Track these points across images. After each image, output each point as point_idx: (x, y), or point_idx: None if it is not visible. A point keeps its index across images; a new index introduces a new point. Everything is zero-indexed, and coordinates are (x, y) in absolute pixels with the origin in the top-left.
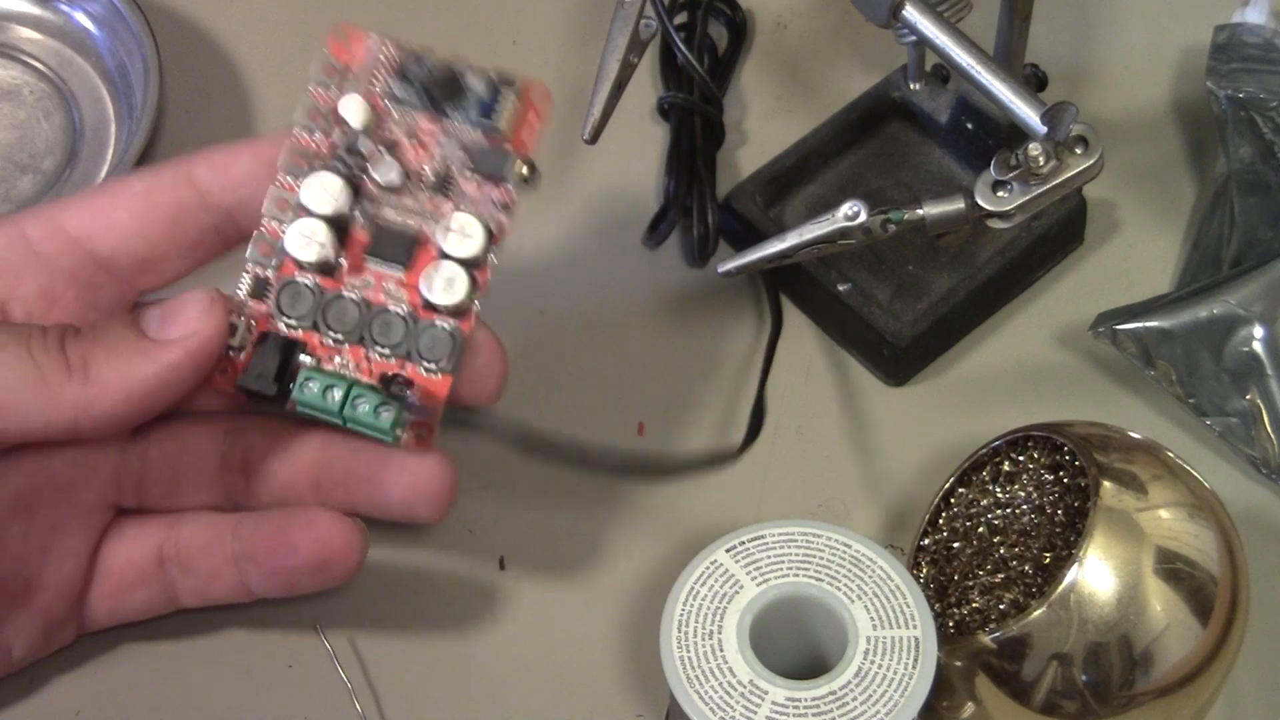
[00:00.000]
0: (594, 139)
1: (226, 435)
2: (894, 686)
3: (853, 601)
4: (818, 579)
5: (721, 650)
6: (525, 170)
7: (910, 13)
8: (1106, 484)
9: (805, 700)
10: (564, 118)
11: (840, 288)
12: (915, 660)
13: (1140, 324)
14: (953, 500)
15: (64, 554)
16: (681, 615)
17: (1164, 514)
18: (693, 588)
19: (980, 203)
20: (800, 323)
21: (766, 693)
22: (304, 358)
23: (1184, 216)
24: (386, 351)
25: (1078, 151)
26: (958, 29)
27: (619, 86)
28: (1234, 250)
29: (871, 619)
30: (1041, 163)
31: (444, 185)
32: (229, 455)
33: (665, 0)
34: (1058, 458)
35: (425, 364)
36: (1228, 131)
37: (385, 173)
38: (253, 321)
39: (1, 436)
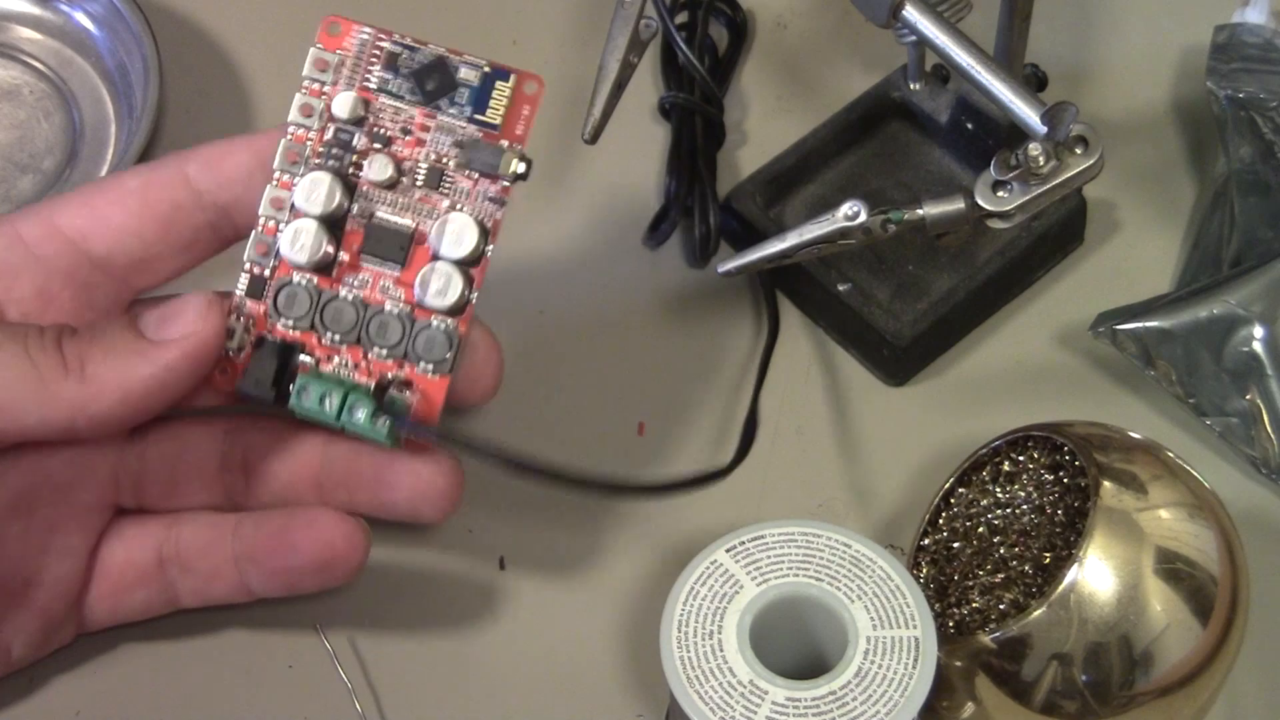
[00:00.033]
0: (594, 139)
1: (226, 435)
2: (894, 686)
3: (853, 601)
4: (818, 579)
5: (721, 650)
6: (519, 164)
7: (910, 13)
8: (1106, 484)
9: (805, 700)
10: (564, 118)
11: (840, 288)
12: (915, 660)
13: (1140, 324)
14: (953, 500)
15: (63, 554)
16: (681, 615)
17: (1164, 514)
18: (693, 588)
19: (980, 203)
20: (800, 323)
21: (766, 693)
22: (304, 358)
23: (1184, 216)
24: (384, 352)
25: (1078, 151)
26: (958, 29)
27: (619, 86)
28: (1234, 250)
29: (871, 619)
30: (1041, 163)
31: (438, 180)
32: (229, 455)
33: (666, 0)
34: (1058, 458)
35: (422, 364)
36: (1228, 131)
37: (379, 171)
38: (251, 322)
39: None
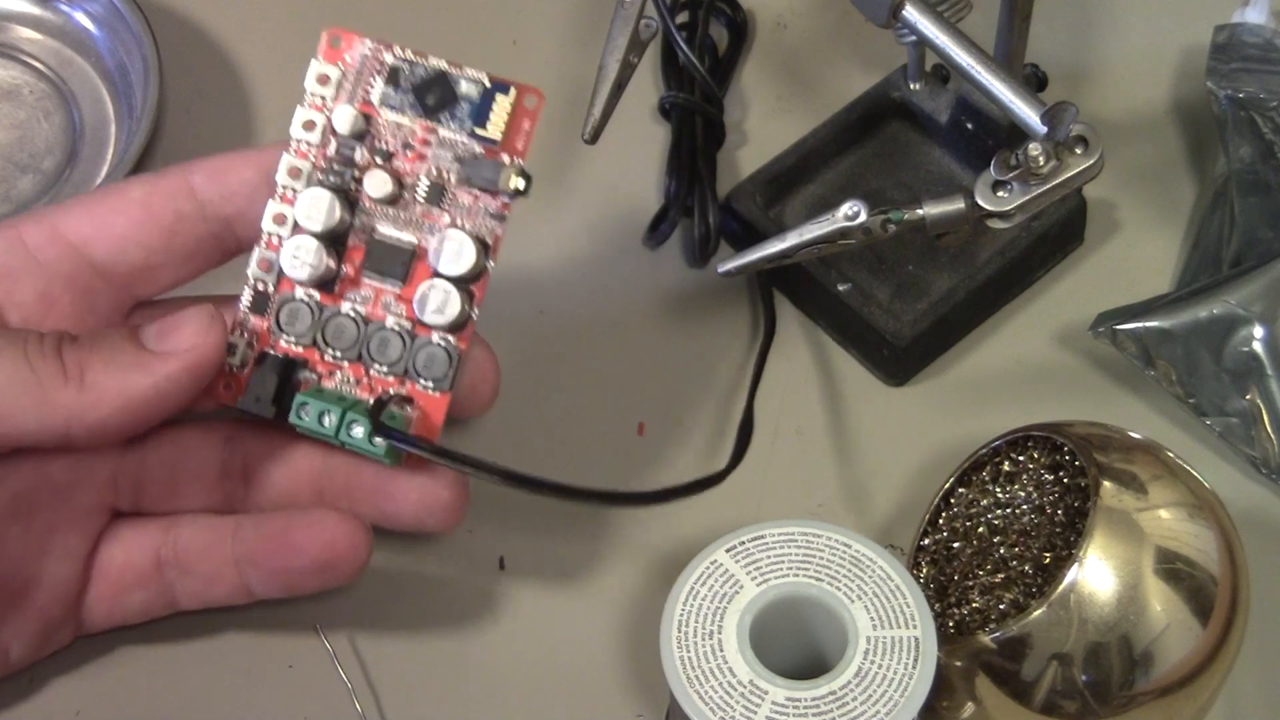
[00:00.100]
0: (594, 139)
1: (227, 442)
2: (894, 686)
3: (853, 601)
4: (818, 579)
5: (721, 650)
6: (519, 180)
7: (910, 13)
8: (1106, 484)
9: (805, 700)
10: (564, 118)
11: (840, 288)
12: (915, 660)
13: (1140, 324)
14: (953, 500)
15: (61, 556)
16: (681, 615)
17: (1164, 514)
18: (693, 588)
19: (980, 203)
20: (800, 323)
21: (766, 693)
22: (305, 374)
23: (1184, 216)
24: (385, 369)
25: (1078, 151)
26: (958, 29)
27: (619, 86)
28: (1234, 250)
29: (871, 619)
30: (1041, 163)
31: (438, 196)
32: (229, 462)
33: (666, 0)
34: (1058, 458)
35: (423, 381)
36: (1228, 131)
37: (379, 187)
38: (254, 338)
39: None
